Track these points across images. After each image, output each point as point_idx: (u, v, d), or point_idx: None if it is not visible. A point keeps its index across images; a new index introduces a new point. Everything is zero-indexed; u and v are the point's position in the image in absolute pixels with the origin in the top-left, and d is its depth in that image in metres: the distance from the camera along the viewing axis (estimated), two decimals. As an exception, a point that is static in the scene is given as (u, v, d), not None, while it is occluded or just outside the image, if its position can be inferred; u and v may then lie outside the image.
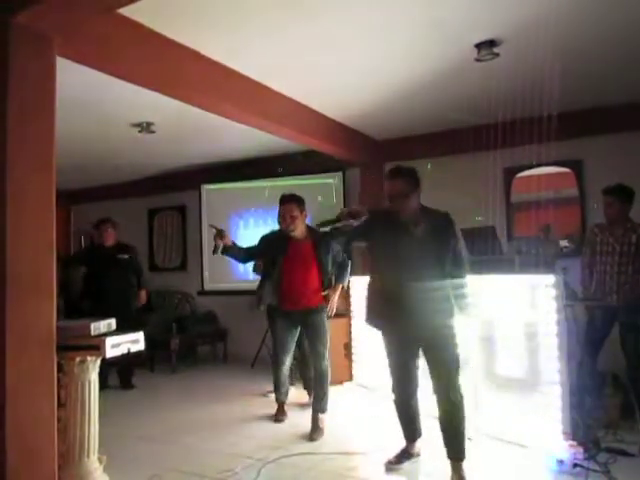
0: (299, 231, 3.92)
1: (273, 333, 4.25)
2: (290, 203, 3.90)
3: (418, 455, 3.32)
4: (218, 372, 6.44)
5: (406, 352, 3.06)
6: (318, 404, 3.94)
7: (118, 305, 4.91)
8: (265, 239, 4.09)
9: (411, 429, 3.29)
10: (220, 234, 3.76)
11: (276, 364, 4.19)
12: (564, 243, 5.30)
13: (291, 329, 4.03)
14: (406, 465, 3.23)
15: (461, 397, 2.91)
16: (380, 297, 3.05)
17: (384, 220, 2.96)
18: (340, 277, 4.13)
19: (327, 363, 3.96)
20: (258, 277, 4.72)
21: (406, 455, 3.28)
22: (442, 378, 2.92)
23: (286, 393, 4.33)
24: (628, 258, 3.91)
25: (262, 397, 5.00)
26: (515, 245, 5.06)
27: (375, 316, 3.11)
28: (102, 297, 5.25)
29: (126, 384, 5.53)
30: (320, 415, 3.91)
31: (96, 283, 5.37)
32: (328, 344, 3.97)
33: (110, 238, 5.52)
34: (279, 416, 4.25)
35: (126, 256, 5.56)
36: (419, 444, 3.33)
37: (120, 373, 5.52)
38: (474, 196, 5.11)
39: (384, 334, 3.11)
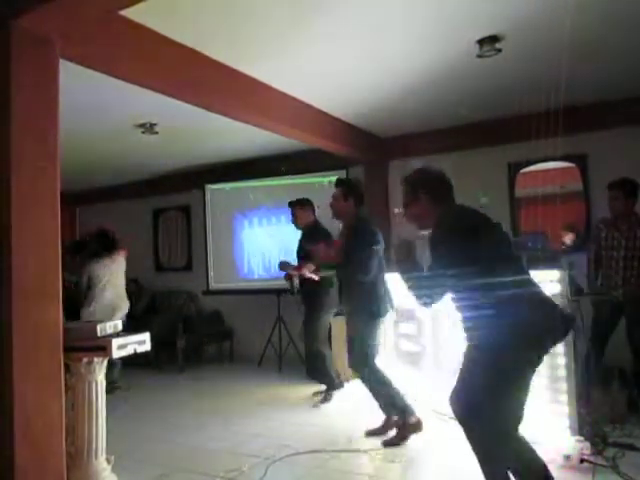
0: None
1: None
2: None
3: None
4: (225, 371, 6.46)
5: None
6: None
7: None
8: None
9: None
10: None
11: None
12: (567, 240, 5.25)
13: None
14: None
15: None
16: None
17: None
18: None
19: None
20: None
21: None
22: None
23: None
24: (633, 252, 3.90)
25: (269, 396, 5.02)
26: (520, 241, 5.05)
27: None
28: None
29: None
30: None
31: None
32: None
33: None
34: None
35: None
36: None
37: None
38: (478, 192, 5.10)
39: None
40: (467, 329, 2.34)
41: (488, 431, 2.21)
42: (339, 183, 3.92)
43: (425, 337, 4.26)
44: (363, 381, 3.73)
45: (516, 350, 2.18)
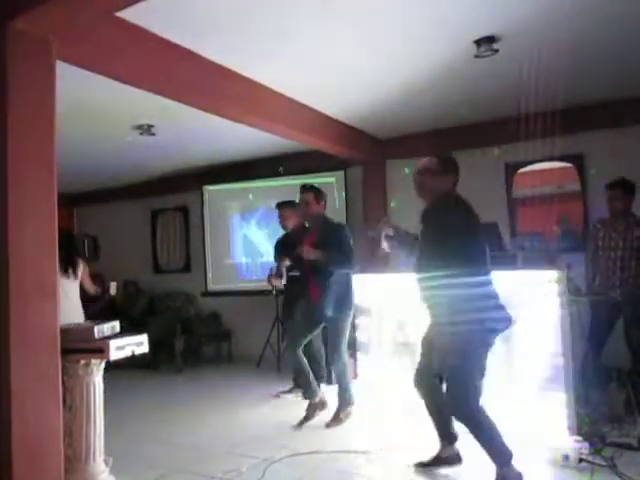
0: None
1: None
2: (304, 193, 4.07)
3: (456, 462, 3.05)
4: (223, 372, 6.45)
5: None
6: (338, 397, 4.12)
7: None
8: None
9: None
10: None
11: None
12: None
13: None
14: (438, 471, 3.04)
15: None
16: None
17: None
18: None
19: (338, 357, 4.03)
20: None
21: (438, 461, 3.06)
22: None
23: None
24: (631, 252, 3.91)
25: (268, 397, 5.02)
26: (518, 241, 5.05)
27: None
28: None
29: None
30: (341, 407, 4.07)
31: None
32: (340, 339, 4.04)
33: None
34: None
35: None
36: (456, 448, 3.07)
37: None
38: (476, 192, 5.09)
39: None
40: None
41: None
42: (309, 189, 4.06)
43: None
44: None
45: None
